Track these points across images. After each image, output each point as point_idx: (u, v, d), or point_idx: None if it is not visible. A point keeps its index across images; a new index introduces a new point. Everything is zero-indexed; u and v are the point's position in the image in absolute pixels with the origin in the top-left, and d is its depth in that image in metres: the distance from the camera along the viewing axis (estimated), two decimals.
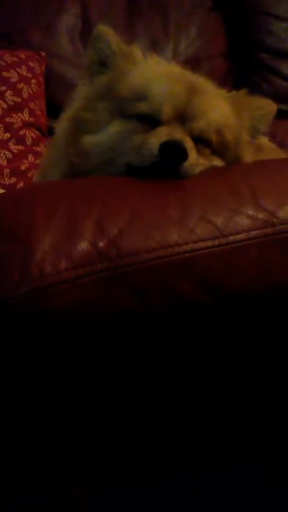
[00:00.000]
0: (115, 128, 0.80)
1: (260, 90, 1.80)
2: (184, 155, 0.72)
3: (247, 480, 0.79)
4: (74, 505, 0.76)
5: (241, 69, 1.81)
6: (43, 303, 0.58)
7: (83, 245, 0.61)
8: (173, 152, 0.72)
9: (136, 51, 0.85)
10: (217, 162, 0.82)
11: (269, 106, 0.89)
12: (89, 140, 0.82)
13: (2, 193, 0.77)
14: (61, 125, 0.91)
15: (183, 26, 1.72)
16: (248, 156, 0.86)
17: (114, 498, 0.76)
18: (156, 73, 0.83)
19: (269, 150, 1.05)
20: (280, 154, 1.16)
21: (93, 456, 0.73)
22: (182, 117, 0.79)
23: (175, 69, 0.87)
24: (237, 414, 0.76)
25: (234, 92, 0.88)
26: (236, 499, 0.80)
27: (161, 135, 0.75)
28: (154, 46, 1.63)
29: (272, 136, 1.21)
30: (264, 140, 1.01)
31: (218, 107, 0.82)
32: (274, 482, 0.81)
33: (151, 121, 0.78)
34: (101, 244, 0.61)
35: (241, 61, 1.81)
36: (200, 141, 0.80)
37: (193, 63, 1.58)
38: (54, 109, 1.48)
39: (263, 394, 0.75)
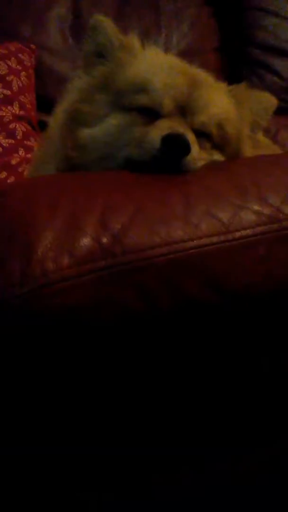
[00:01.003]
0: (113, 120, 0.78)
1: (251, 85, 1.80)
2: (186, 149, 0.71)
3: (245, 483, 0.78)
4: (78, 507, 0.74)
5: (233, 64, 1.79)
6: (46, 302, 0.56)
7: (86, 241, 0.58)
8: (175, 146, 0.70)
9: (135, 41, 0.83)
10: (218, 156, 0.81)
11: (270, 100, 0.88)
12: (86, 133, 0.79)
13: None
14: (56, 118, 0.89)
15: (175, 20, 1.70)
16: (248, 151, 0.85)
17: (117, 500, 0.75)
18: (156, 65, 0.81)
19: (265, 145, 1.04)
20: (275, 150, 1.15)
21: (97, 459, 0.71)
22: (183, 110, 0.77)
23: (175, 61, 0.86)
24: (235, 414, 0.75)
25: (234, 86, 0.86)
26: (235, 501, 0.79)
27: (162, 128, 0.73)
28: (146, 40, 1.61)
29: (265, 132, 1.20)
30: (260, 136, 1.00)
31: (220, 101, 0.80)
32: (274, 485, 0.81)
33: (151, 114, 0.76)
34: (104, 240, 0.59)
35: (233, 56, 1.79)
36: (201, 134, 0.78)
37: (185, 57, 1.56)
38: (43, 103, 1.45)
39: (263, 393, 0.74)
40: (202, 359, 0.69)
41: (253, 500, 0.79)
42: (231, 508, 0.80)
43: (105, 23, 0.82)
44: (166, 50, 1.64)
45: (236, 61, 1.78)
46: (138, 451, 0.72)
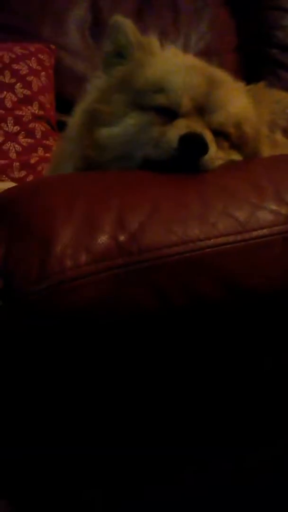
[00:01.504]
0: (131, 120, 0.79)
1: (269, 85, 1.79)
2: (204, 148, 0.71)
3: (248, 482, 0.78)
4: (83, 505, 0.75)
5: (251, 64, 1.79)
6: (63, 298, 0.56)
7: (103, 239, 0.59)
8: (193, 145, 0.71)
9: (154, 42, 0.84)
10: (236, 156, 0.81)
11: None
12: (104, 132, 0.80)
13: (16, 186, 0.76)
14: (75, 118, 0.90)
15: (194, 20, 1.70)
16: (266, 151, 0.85)
17: (121, 498, 0.75)
18: (174, 65, 0.81)
19: (283, 145, 1.03)
20: None
21: (102, 459, 0.72)
22: (201, 110, 0.77)
23: (193, 60, 0.86)
24: (240, 413, 0.75)
25: (253, 85, 0.86)
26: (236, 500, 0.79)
27: (180, 127, 0.73)
28: (165, 40, 1.61)
29: (284, 132, 1.20)
30: (278, 136, 1.00)
31: (238, 100, 0.80)
32: (275, 483, 0.80)
33: (169, 114, 0.77)
34: (121, 238, 0.60)
35: (252, 56, 1.79)
36: (219, 134, 0.78)
37: (203, 57, 1.56)
38: (62, 103, 1.47)
39: (265, 392, 0.74)
40: (208, 356, 0.69)
41: (256, 499, 0.79)
42: (234, 508, 0.80)
43: (125, 24, 0.83)
44: (185, 50, 1.65)
45: (255, 61, 1.78)
46: (142, 451, 0.73)
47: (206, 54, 1.67)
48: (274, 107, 0.86)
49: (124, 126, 0.79)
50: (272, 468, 0.79)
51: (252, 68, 1.78)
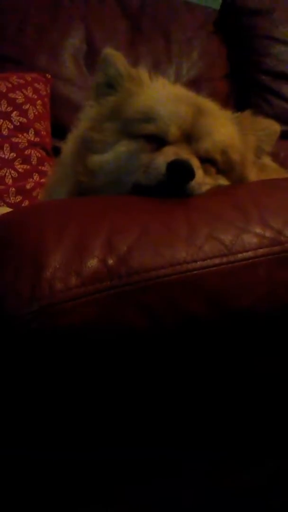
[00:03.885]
0: (122, 147, 0.82)
1: (260, 111, 1.83)
2: (191, 174, 0.74)
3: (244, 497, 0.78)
4: None
5: (242, 91, 1.84)
6: (54, 320, 0.58)
7: (93, 262, 0.61)
8: (180, 171, 0.73)
9: (143, 73, 0.87)
10: (223, 181, 0.84)
11: (273, 127, 0.91)
12: (96, 159, 0.83)
13: (9, 211, 0.78)
14: (68, 145, 0.93)
15: (185, 49, 1.76)
16: (253, 176, 0.88)
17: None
18: (162, 95, 0.84)
19: (272, 169, 1.06)
20: (282, 173, 1.17)
21: (99, 469, 0.72)
22: (189, 138, 0.80)
23: (181, 90, 0.89)
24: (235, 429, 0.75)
25: (239, 113, 0.89)
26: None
27: (168, 154, 0.76)
28: (157, 68, 1.66)
29: (274, 156, 1.23)
30: (267, 160, 1.03)
31: (224, 128, 0.83)
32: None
33: (157, 141, 0.80)
34: (110, 261, 0.62)
35: (242, 83, 1.84)
36: (206, 160, 0.81)
37: (195, 85, 1.61)
38: (58, 130, 1.51)
39: (261, 407, 0.75)
40: (201, 370, 0.70)
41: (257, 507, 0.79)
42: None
43: (115, 56, 0.87)
44: (176, 78, 1.70)
45: (245, 87, 1.83)
46: (139, 457, 0.73)
47: (197, 81, 1.72)
48: (259, 133, 0.89)
49: (115, 153, 0.82)
50: (273, 480, 0.79)
51: (243, 94, 1.83)
